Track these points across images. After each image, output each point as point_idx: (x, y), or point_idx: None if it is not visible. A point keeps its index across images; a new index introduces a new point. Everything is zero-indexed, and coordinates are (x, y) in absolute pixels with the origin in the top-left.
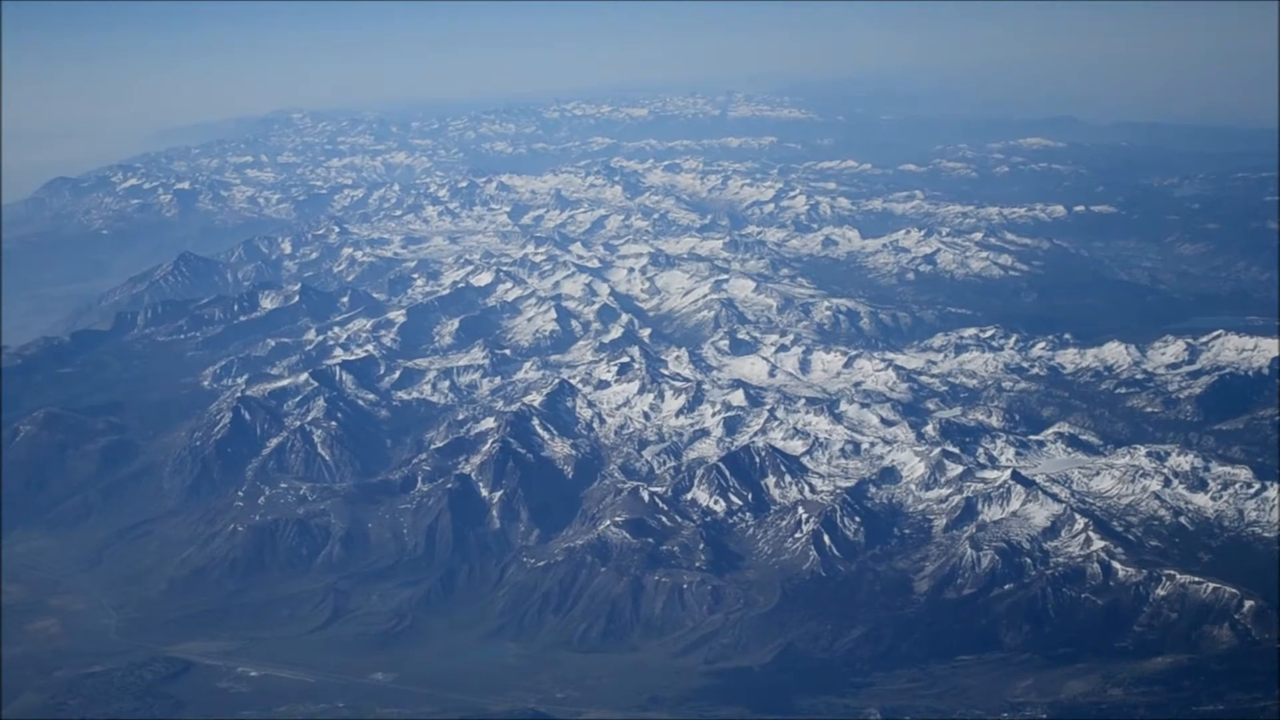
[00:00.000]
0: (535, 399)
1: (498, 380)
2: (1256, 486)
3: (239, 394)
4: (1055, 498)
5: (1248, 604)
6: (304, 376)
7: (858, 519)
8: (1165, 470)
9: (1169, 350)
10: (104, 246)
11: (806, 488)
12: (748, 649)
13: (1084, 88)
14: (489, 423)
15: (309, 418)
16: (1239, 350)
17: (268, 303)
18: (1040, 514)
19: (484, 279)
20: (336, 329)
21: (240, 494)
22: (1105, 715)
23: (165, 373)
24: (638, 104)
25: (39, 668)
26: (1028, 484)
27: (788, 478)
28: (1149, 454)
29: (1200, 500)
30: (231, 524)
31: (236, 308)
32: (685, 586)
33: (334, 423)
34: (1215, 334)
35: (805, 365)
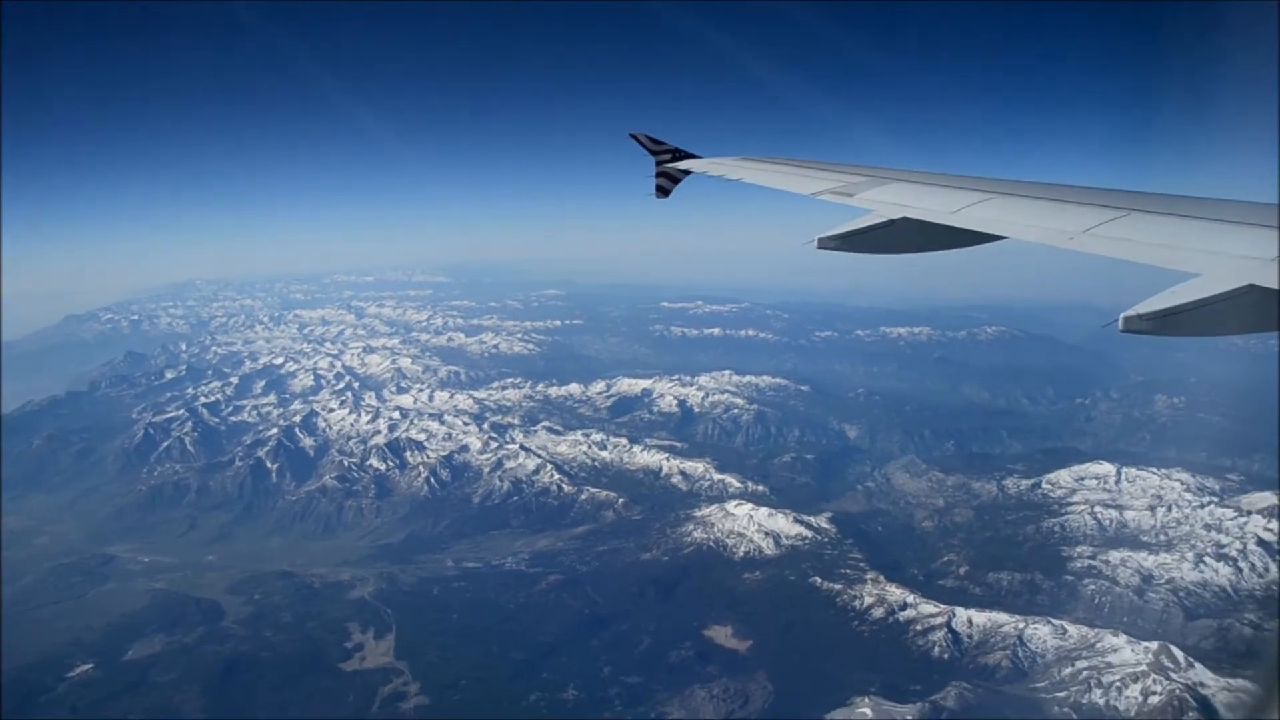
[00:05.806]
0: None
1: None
2: (630, 447)
3: (149, 420)
4: (539, 456)
5: (620, 500)
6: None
7: (449, 469)
8: (589, 441)
9: (597, 386)
10: (90, 348)
11: (425, 455)
12: (394, 533)
13: (582, 266)
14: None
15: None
16: (629, 385)
17: (169, 374)
18: (531, 463)
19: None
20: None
21: (144, 472)
22: (555, 553)
23: (114, 411)
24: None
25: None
26: (527, 449)
27: (416, 452)
28: (583, 434)
29: (605, 455)
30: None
31: (153, 377)
32: (361, 505)
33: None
34: (618, 378)
35: (431, 398)
